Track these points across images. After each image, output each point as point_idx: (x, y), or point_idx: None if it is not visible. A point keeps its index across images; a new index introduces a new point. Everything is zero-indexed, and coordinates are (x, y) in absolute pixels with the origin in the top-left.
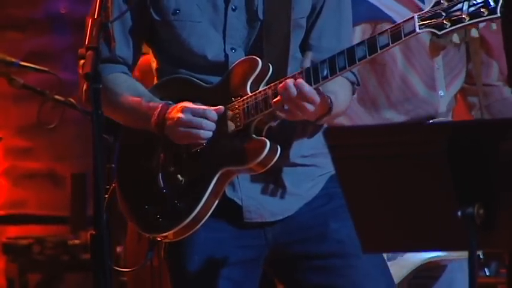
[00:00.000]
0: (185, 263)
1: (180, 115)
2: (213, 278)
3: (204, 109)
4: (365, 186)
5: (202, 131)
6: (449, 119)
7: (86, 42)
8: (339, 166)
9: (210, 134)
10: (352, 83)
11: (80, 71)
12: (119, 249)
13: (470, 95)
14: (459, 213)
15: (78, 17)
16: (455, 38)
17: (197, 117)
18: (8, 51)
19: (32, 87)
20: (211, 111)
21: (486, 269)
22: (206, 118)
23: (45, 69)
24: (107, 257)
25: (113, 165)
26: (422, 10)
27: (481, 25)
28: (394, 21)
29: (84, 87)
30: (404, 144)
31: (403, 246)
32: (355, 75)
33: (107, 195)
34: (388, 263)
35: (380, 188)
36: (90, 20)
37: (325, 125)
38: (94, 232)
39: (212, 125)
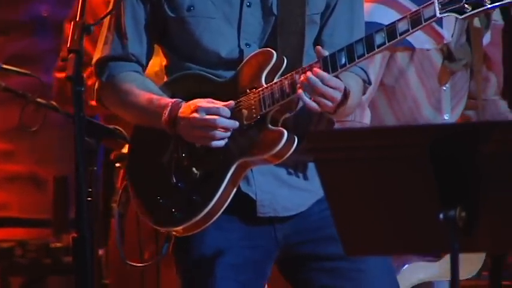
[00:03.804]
0: (193, 261)
1: (195, 115)
2: (220, 277)
3: (217, 107)
4: (347, 189)
5: (218, 132)
6: None
7: (68, 45)
8: (320, 169)
9: (227, 134)
10: (364, 81)
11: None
12: (100, 251)
13: (466, 108)
14: (441, 216)
15: (61, 20)
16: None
17: (212, 115)
18: None
19: (13, 90)
20: (225, 108)
21: None
22: (220, 115)
23: (27, 72)
24: (89, 259)
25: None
26: (441, 36)
27: (485, 41)
28: (413, 47)
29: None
30: (386, 147)
31: (385, 250)
32: (367, 74)
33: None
34: None
35: (362, 191)
36: (72, 23)
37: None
38: (76, 235)
39: (227, 123)
